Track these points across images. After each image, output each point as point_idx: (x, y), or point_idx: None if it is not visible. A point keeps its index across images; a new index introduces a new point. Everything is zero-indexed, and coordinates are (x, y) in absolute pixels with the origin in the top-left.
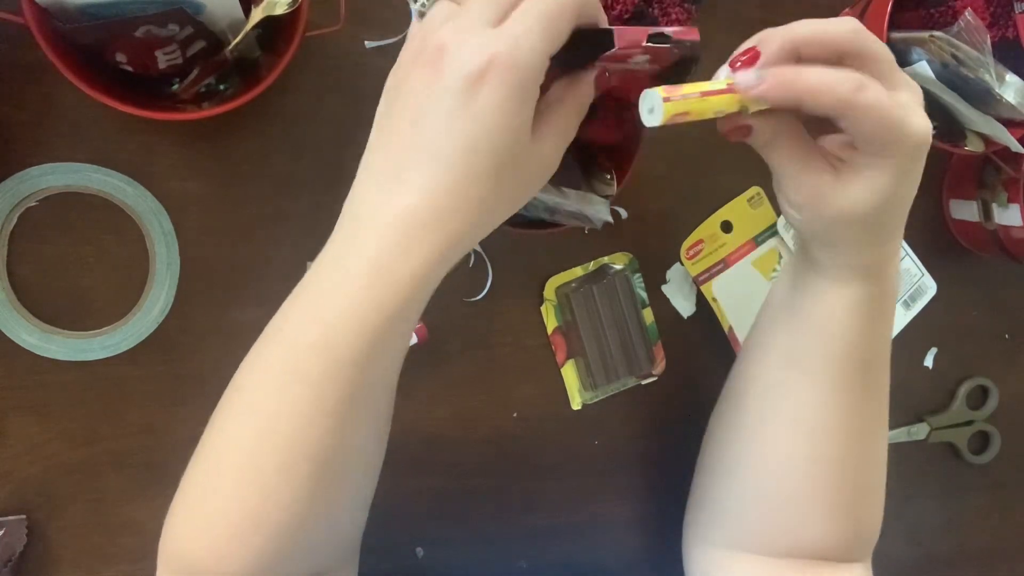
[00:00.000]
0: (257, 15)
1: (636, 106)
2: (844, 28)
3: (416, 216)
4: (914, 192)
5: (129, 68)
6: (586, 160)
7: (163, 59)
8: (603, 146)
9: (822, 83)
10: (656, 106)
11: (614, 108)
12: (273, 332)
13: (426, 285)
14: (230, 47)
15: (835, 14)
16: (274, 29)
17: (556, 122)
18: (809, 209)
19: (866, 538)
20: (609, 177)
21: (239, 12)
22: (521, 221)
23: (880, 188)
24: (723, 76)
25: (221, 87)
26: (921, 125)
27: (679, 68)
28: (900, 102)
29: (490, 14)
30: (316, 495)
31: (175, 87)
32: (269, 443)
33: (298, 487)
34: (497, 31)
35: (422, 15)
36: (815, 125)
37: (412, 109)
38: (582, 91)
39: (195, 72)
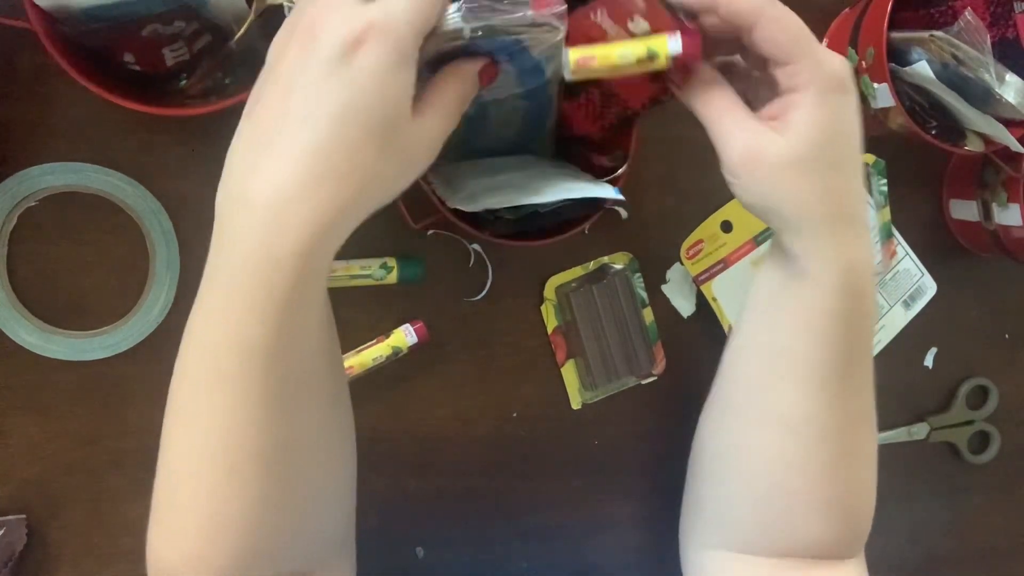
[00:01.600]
0: (261, 3)
1: (621, 96)
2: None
3: (286, 188)
4: (851, 135)
5: (137, 68)
6: (580, 154)
7: (170, 56)
8: (592, 140)
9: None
10: (565, 53)
11: (598, 98)
12: (187, 333)
13: (315, 260)
14: (236, 37)
15: (834, 14)
16: (277, 19)
17: (437, 101)
18: (747, 169)
19: (859, 534)
20: (608, 160)
21: (242, 2)
22: (529, 227)
23: (807, 123)
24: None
25: (227, 80)
26: (832, 56)
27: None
28: (809, 34)
29: None
30: (270, 491)
31: (183, 83)
32: (210, 448)
33: (249, 485)
34: (368, 4)
35: None
36: (745, 84)
37: (284, 80)
38: (465, 75)
39: (203, 67)
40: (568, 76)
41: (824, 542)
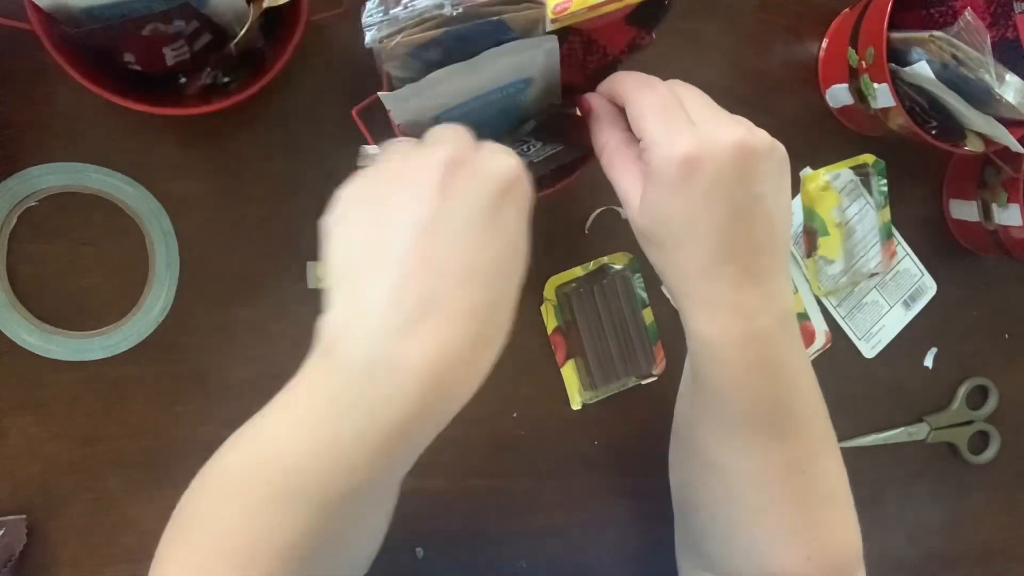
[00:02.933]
0: (262, 2)
1: (601, 43)
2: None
3: (451, 353)
4: (716, 232)
5: (138, 67)
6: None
7: (171, 55)
8: (573, 87)
9: (617, 81)
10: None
11: (580, 46)
12: (263, 445)
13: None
14: (237, 38)
15: (835, 14)
16: (278, 17)
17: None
18: (629, 220)
19: (836, 566)
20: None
21: (243, 2)
22: None
23: (648, 199)
24: None
25: (226, 80)
26: (686, 143)
27: (651, 6)
28: (684, 115)
29: (471, 143)
30: None
31: (183, 83)
32: (262, 551)
33: None
34: (502, 150)
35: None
36: None
37: (424, 222)
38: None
39: (204, 67)
40: (548, 26)
41: (794, 573)
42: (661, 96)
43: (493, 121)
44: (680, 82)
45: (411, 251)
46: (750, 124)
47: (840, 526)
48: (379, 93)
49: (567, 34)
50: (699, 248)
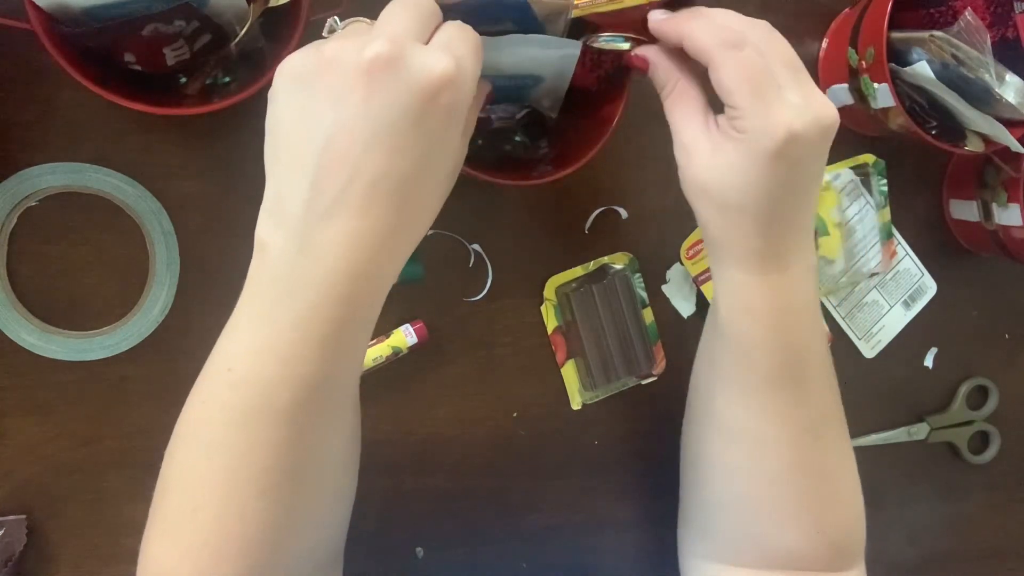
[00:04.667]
0: (262, 2)
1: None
2: (736, 25)
3: (364, 241)
4: (785, 199)
5: (138, 67)
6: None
7: (171, 55)
8: (585, 91)
9: (696, 28)
10: None
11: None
12: (221, 363)
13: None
14: (237, 38)
15: (835, 14)
16: (278, 17)
17: (471, 120)
18: (681, 170)
19: (844, 546)
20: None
21: (243, 1)
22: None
23: (726, 162)
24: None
25: (226, 80)
26: (788, 119)
27: (672, 9)
28: (776, 83)
29: (419, 33)
30: (292, 511)
31: (183, 83)
32: (245, 473)
33: (276, 506)
34: (442, 49)
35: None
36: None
37: (352, 116)
38: (485, 89)
39: (204, 66)
40: (571, 13)
41: (804, 554)
42: (750, 62)
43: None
44: (761, 29)
45: (328, 147)
46: (819, 91)
47: (849, 503)
48: None
49: (584, 29)
50: (762, 211)
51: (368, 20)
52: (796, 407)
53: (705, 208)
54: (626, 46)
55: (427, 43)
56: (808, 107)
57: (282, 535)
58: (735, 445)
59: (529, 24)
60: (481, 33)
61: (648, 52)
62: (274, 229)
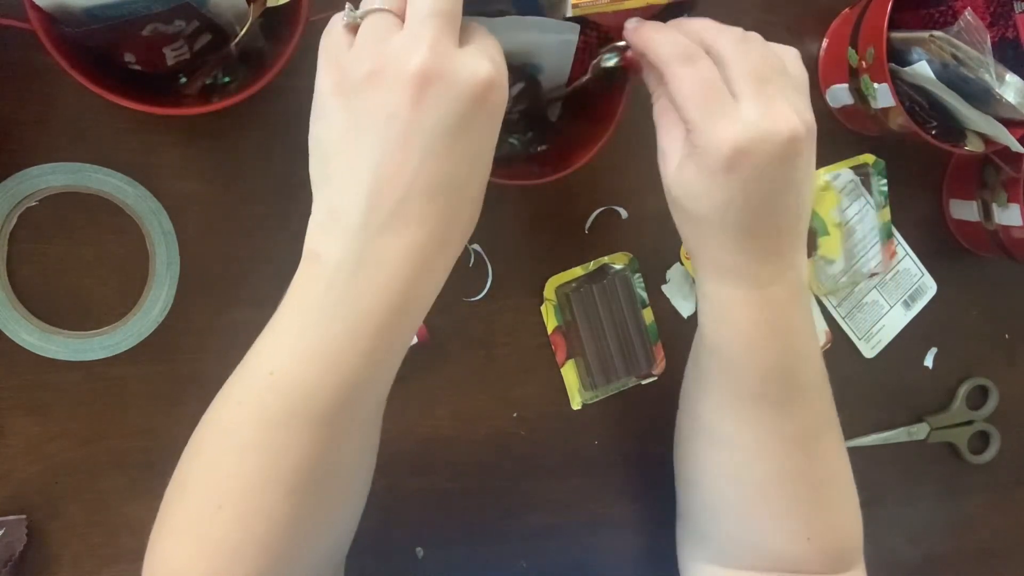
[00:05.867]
0: (262, 2)
1: (616, 40)
2: (695, 27)
3: (423, 250)
4: (756, 214)
5: (138, 67)
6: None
7: (171, 55)
8: (585, 90)
9: (655, 41)
10: None
11: (596, 40)
12: (257, 366)
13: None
14: (237, 38)
15: (835, 14)
16: (278, 17)
17: None
18: (661, 177)
19: (835, 552)
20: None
21: (243, 1)
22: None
23: (686, 175)
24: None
25: (226, 80)
26: (733, 135)
27: (673, 11)
28: (727, 97)
29: (452, 33)
30: (315, 513)
31: (183, 83)
32: (275, 474)
33: (300, 507)
34: (481, 53)
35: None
36: None
37: (406, 133)
38: None
39: (204, 66)
40: (569, 11)
41: (796, 559)
42: (700, 76)
43: None
44: (730, 36)
45: (384, 163)
46: (797, 99)
47: (841, 510)
48: None
49: (585, 27)
50: (729, 226)
51: (388, 8)
52: (783, 418)
53: (678, 218)
54: (626, 54)
55: (459, 45)
56: (762, 120)
57: (301, 537)
58: (723, 451)
59: (528, 7)
60: (479, 15)
61: (640, 56)
62: (330, 242)
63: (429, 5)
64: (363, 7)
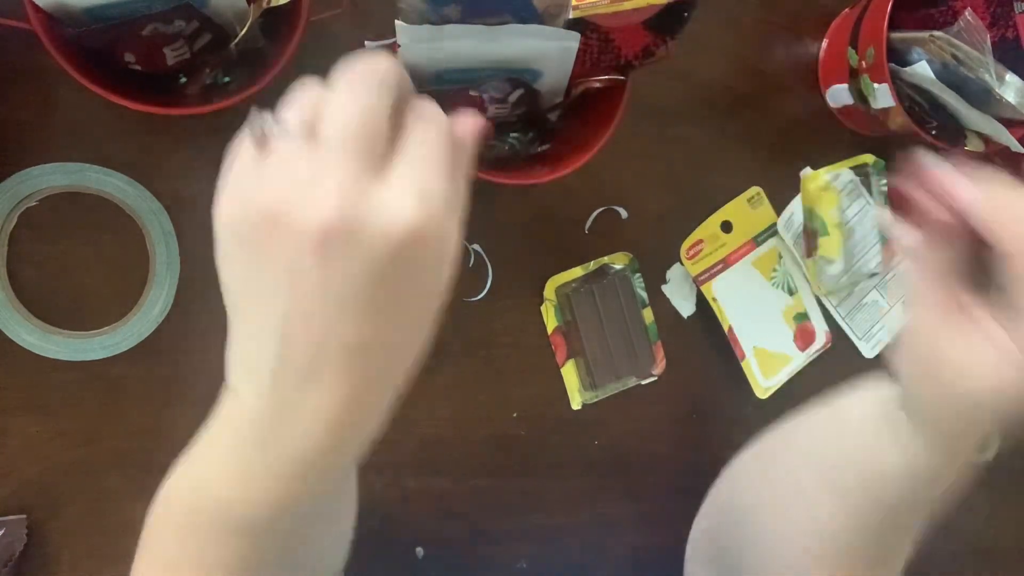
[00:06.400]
0: (262, 2)
1: (617, 43)
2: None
3: (344, 414)
4: None
5: (138, 67)
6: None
7: (171, 55)
8: (584, 90)
9: (1008, 223)
10: None
11: (596, 43)
12: (195, 486)
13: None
14: (237, 38)
15: (835, 14)
16: (278, 17)
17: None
18: (922, 378)
19: None
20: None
21: (243, 1)
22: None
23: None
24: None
25: (226, 80)
26: None
27: (673, 12)
28: None
29: (378, 151)
30: None
31: (183, 82)
32: None
33: None
34: (406, 190)
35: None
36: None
37: (311, 295)
38: (478, 125)
39: (204, 66)
40: (570, 13)
41: None
42: None
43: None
44: None
45: (292, 319)
46: None
47: None
48: (397, 21)
49: (585, 29)
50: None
51: (300, 121)
52: (890, 549)
53: (963, 405)
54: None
55: (390, 164)
56: None
57: None
58: (805, 509)
59: (528, 15)
60: (479, 23)
61: (916, 237)
62: (246, 386)
63: (340, 127)
64: (272, 121)
